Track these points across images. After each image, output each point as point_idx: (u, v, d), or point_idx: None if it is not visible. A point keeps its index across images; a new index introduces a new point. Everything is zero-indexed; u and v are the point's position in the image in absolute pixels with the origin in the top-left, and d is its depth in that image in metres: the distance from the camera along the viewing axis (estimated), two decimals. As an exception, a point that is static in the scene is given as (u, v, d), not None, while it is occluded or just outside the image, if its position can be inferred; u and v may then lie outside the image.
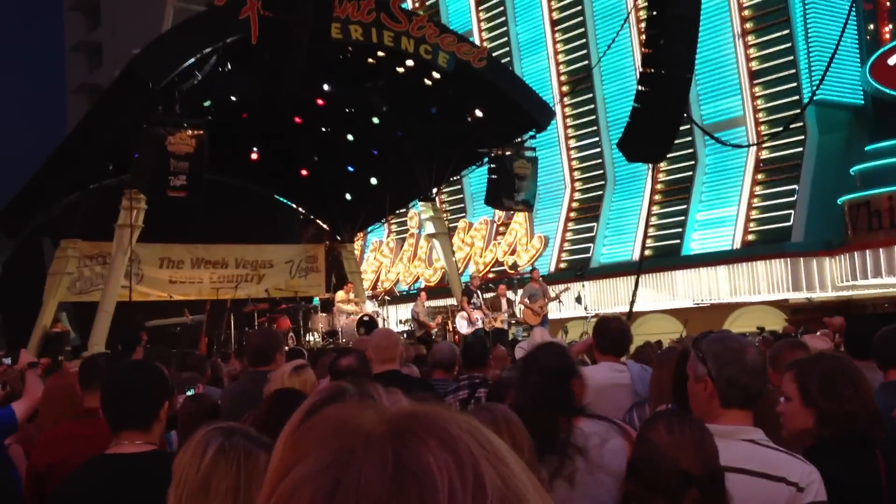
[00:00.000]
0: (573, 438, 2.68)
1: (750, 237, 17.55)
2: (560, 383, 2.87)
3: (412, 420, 0.67)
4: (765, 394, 2.59)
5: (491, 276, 21.29)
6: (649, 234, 18.32)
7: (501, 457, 0.66)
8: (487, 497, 0.62)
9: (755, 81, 18.19)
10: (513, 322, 16.60)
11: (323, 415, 0.71)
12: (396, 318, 19.92)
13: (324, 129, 18.22)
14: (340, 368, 4.13)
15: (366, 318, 16.20)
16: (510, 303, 16.51)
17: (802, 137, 17.34)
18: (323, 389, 1.95)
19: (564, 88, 21.48)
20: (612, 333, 4.75)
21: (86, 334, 15.29)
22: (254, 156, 18.80)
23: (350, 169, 19.53)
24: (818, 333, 6.58)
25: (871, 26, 17.48)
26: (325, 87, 16.35)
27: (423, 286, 22.39)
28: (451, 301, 18.13)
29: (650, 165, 16.86)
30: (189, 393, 4.59)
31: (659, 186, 19.44)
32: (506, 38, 23.15)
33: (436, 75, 15.23)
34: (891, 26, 17.23)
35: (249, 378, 4.75)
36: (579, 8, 21.38)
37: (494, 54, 18.72)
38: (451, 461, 0.63)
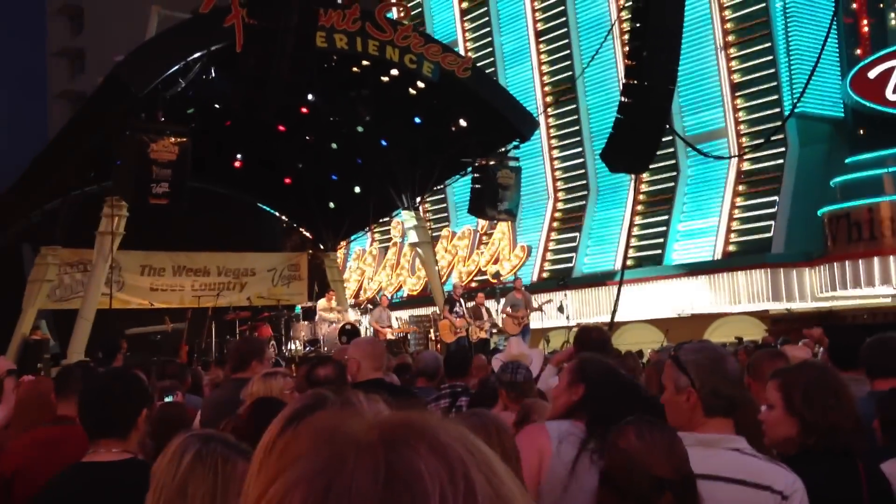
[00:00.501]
0: None
1: (731, 248, 17.66)
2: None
3: (402, 427, 0.67)
4: (743, 402, 2.59)
5: (474, 285, 21.30)
6: (631, 245, 18.39)
7: (490, 464, 0.66)
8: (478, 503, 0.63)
9: (737, 94, 18.35)
10: (494, 331, 16.60)
11: (311, 421, 0.70)
12: (379, 328, 19.87)
13: (308, 138, 18.18)
14: (318, 378, 4.10)
15: (348, 327, 16.15)
16: (489, 312, 16.53)
17: (783, 149, 17.49)
18: (303, 396, 1.93)
19: (548, 99, 21.58)
20: (592, 342, 4.76)
21: (65, 342, 15.13)
22: (237, 163, 18.72)
23: (334, 177, 19.49)
24: (800, 344, 6.62)
25: (852, 39, 17.68)
26: (310, 95, 16.32)
27: (389, 295, 22.31)
28: (434, 310, 18.12)
29: (633, 176, 16.94)
30: (167, 399, 4.55)
31: (641, 197, 19.54)
32: (490, 49, 23.25)
33: (420, 85, 15.26)
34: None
35: (230, 386, 4.71)
36: (564, 19, 21.51)
37: (479, 64, 18.78)
38: (441, 468, 0.63)
